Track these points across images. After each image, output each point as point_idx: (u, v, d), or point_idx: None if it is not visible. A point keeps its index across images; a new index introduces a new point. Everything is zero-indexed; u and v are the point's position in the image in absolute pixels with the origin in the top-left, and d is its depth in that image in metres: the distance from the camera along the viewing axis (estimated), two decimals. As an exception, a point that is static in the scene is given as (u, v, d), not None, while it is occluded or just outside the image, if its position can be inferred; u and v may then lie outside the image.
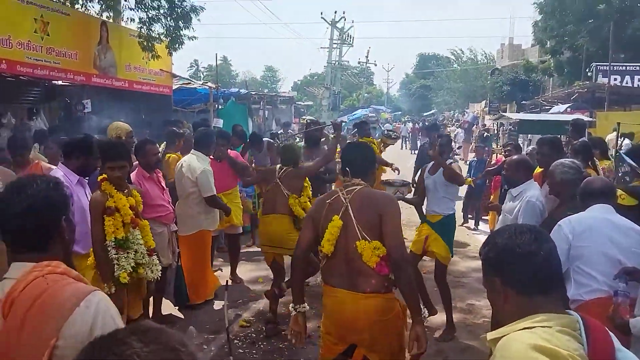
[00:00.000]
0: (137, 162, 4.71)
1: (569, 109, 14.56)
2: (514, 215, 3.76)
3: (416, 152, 14.72)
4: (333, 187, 6.36)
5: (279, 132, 11.02)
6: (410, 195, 5.60)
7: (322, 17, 31.36)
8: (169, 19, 10.37)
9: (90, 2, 11.32)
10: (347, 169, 2.96)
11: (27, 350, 1.38)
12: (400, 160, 10.30)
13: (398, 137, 9.64)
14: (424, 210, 4.99)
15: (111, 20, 10.95)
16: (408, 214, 6.92)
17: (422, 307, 2.95)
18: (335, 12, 32.00)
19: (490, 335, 1.41)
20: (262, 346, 4.52)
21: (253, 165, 7.46)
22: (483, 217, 9.34)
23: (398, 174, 8.11)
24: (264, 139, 8.24)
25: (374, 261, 2.71)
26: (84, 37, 9.37)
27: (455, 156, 11.98)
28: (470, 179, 8.65)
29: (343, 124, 24.43)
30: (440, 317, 4.86)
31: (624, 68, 16.84)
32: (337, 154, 5.60)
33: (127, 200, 3.69)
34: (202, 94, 13.58)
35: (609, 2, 17.82)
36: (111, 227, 3.55)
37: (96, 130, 6.98)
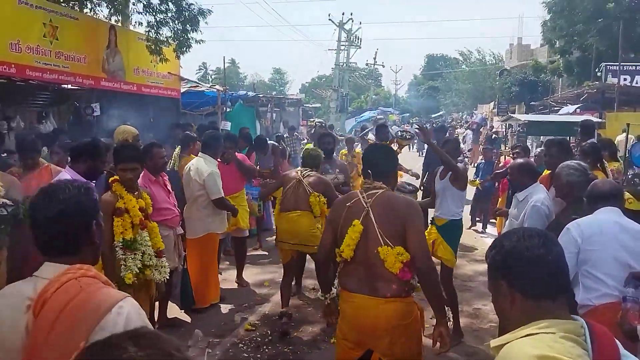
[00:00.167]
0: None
1: (578, 110, 14.47)
2: (520, 220, 3.72)
3: (424, 153, 14.68)
4: None
5: (284, 136, 11.05)
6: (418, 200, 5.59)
7: (329, 19, 31.44)
8: (176, 22, 10.41)
9: (98, 6, 11.44)
10: (369, 171, 2.91)
11: (54, 350, 1.38)
12: (407, 162, 10.27)
13: (413, 137, 9.65)
14: (433, 214, 4.99)
15: (119, 24, 11.04)
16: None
17: (446, 308, 2.94)
18: (343, 14, 32.08)
19: (494, 343, 1.39)
20: (267, 350, 4.50)
21: (257, 168, 7.47)
22: (491, 220, 9.28)
23: (417, 180, 8.13)
24: (268, 141, 8.24)
25: (397, 267, 2.68)
26: (92, 41, 9.44)
27: (465, 159, 11.98)
28: (477, 181, 8.62)
29: (350, 126, 24.40)
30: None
31: (634, 68, 16.68)
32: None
33: (136, 202, 3.72)
34: (210, 96, 13.63)
35: (619, 1, 17.69)
36: (119, 228, 3.58)
37: (105, 133, 7.03)
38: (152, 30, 10.37)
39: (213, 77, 55.01)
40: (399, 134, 9.52)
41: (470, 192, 10.61)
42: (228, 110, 13.43)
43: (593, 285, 2.84)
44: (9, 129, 8.27)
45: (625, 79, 15.78)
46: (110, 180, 3.81)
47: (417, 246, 2.71)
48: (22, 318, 1.44)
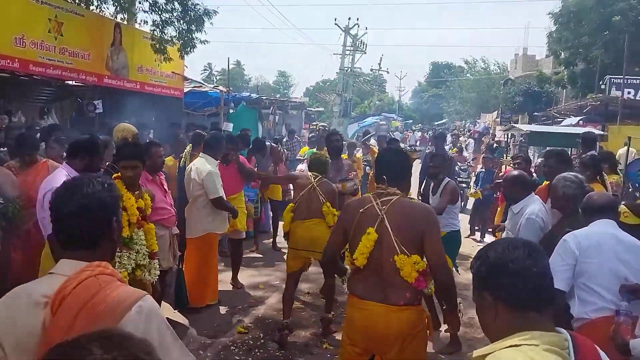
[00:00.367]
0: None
1: (581, 122, 14.45)
2: (515, 233, 3.70)
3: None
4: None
5: (283, 140, 11.03)
6: None
7: (335, 24, 31.46)
8: (181, 22, 10.45)
9: (104, 3, 11.47)
10: (384, 176, 2.85)
11: None
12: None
13: (421, 151, 9.72)
14: None
15: (125, 22, 11.06)
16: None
17: (459, 304, 2.96)
18: (349, 19, 32.06)
19: (476, 353, 1.37)
20: (258, 354, 4.48)
21: (256, 170, 7.45)
22: (489, 229, 9.24)
23: None
24: (267, 143, 8.24)
25: (413, 277, 2.66)
26: (97, 38, 9.46)
27: (469, 167, 11.95)
28: (475, 192, 8.60)
29: (353, 131, 24.38)
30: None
31: (638, 81, 16.63)
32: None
33: (135, 202, 3.70)
34: (213, 97, 13.64)
35: (625, 14, 17.68)
36: None
37: (106, 130, 7.03)
38: (157, 30, 10.40)
39: (218, 78, 55.11)
40: (409, 148, 9.48)
41: (470, 200, 10.61)
42: (231, 111, 13.43)
43: (589, 299, 2.81)
44: (10, 123, 8.28)
45: (629, 92, 15.75)
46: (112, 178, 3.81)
47: (437, 256, 2.69)
48: (39, 315, 1.42)
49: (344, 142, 8.01)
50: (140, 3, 10.93)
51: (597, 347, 1.39)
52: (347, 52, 32.53)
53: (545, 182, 4.64)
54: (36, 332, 1.41)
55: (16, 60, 7.50)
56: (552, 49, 22.88)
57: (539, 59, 32.95)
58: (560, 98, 24.43)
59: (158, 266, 3.86)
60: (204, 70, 62.28)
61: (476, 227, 9.60)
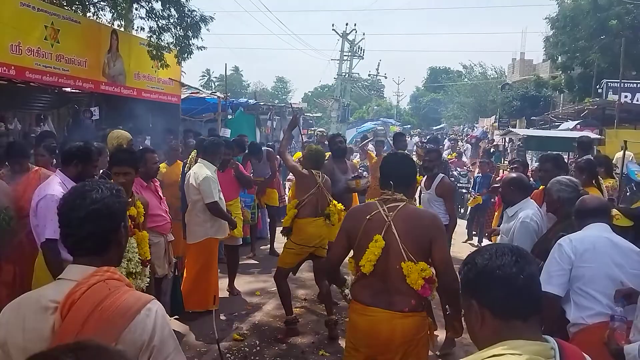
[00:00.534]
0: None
1: (578, 126, 14.44)
2: (510, 236, 3.69)
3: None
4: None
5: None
6: None
7: (333, 29, 31.56)
8: (178, 28, 10.46)
9: (101, 10, 11.50)
10: (391, 181, 2.83)
11: None
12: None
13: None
14: None
15: (122, 29, 11.08)
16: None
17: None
18: (347, 24, 32.19)
19: None
20: (254, 361, 4.46)
21: (251, 175, 7.44)
22: (487, 234, 9.23)
23: None
24: (263, 148, 8.23)
25: (419, 284, 2.66)
26: (93, 44, 9.47)
27: (468, 172, 11.91)
28: (474, 199, 8.60)
29: (351, 136, 24.37)
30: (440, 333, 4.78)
31: (635, 85, 16.65)
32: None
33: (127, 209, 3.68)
34: (211, 103, 13.65)
35: (621, 19, 17.72)
36: None
37: (101, 137, 7.02)
38: (154, 36, 10.42)
39: (217, 84, 55.20)
40: (420, 144, 9.48)
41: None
42: (229, 117, 13.44)
43: (586, 304, 2.79)
44: (5, 130, 8.26)
45: (626, 96, 15.75)
46: None
47: (444, 263, 2.70)
48: (48, 320, 1.44)
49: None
50: (137, 10, 10.96)
51: (586, 356, 1.37)
52: (345, 58, 32.61)
53: (541, 187, 4.63)
54: (45, 337, 1.43)
55: (12, 67, 7.49)
56: (549, 53, 22.93)
57: (536, 64, 33.00)
58: (558, 102, 24.47)
59: (149, 272, 3.84)
60: (203, 76, 62.40)
61: (473, 232, 9.59)
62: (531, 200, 3.91)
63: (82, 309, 1.42)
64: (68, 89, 9.82)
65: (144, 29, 10.71)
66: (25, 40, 7.76)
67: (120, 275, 1.57)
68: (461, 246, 8.90)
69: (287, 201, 7.51)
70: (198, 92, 14.65)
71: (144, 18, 10.62)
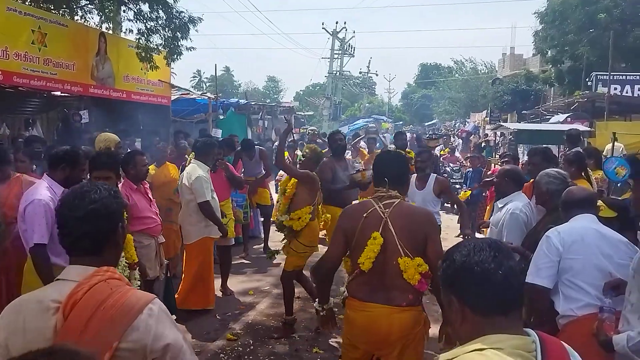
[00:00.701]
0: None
1: (569, 119, 14.50)
2: (499, 228, 3.70)
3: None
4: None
5: (273, 145, 11.00)
6: None
7: (323, 28, 31.56)
8: (167, 29, 10.43)
9: (89, 13, 11.43)
10: (386, 179, 2.86)
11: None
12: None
13: (441, 137, 9.70)
14: None
15: (110, 32, 11.02)
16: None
17: None
18: (337, 23, 32.21)
19: (442, 357, 1.35)
20: (248, 360, 4.45)
21: (242, 175, 7.42)
22: (481, 228, 9.26)
23: None
24: (256, 146, 8.21)
25: (416, 279, 2.68)
26: (81, 48, 9.42)
27: (461, 168, 11.94)
28: (468, 191, 8.62)
29: (344, 133, 24.44)
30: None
31: (624, 77, 16.76)
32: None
33: None
34: (202, 104, 13.62)
35: (609, 12, 17.83)
36: None
37: (90, 141, 6.98)
38: (143, 38, 10.38)
39: (207, 84, 55.04)
40: (427, 135, 9.54)
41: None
42: (220, 117, 13.41)
43: (575, 295, 2.79)
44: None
45: (615, 89, 15.84)
46: None
47: (439, 258, 2.70)
48: (50, 320, 1.45)
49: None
50: (124, 12, 10.92)
51: (568, 348, 1.37)
52: (336, 56, 32.67)
53: (531, 180, 4.65)
54: (47, 337, 1.43)
55: (0, 72, 7.45)
56: (538, 47, 23.02)
57: (526, 58, 33.12)
58: (548, 96, 24.56)
59: (138, 275, 3.83)
60: (194, 77, 62.22)
61: (467, 227, 9.59)
62: (522, 193, 3.93)
63: (85, 308, 1.43)
64: (57, 93, 9.77)
65: (132, 31, 10.70)
66: (13, 44, 7.71)
67: (121, 275, 1.58)
68: (454, 240, 8.90)
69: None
70: (188, 93, 14.63)
71: (132, 20, 10.61)
